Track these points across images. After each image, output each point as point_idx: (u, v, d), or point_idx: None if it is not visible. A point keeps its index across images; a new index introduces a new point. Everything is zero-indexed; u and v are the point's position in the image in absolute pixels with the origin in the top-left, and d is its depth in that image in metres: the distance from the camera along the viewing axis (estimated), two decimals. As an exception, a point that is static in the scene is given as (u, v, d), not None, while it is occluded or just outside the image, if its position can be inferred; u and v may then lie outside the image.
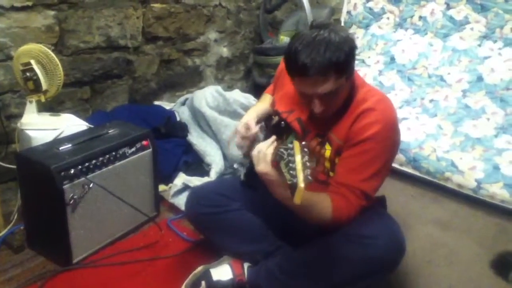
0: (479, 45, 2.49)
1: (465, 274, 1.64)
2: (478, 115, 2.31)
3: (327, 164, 1.37)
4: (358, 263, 1.24)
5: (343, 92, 1.29)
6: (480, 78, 2.40)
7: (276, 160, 1.07)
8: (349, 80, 1.29)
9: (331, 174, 1.37)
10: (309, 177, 0.97)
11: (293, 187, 0.96)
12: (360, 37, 2.87)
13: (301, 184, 0.95)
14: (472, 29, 2.52)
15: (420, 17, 2.70)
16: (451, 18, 2.59)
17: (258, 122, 1.59)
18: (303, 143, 1.05)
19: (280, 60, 1.42)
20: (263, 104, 1.68)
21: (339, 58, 1.19)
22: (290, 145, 1.04)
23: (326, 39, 1.20)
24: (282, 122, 1.47)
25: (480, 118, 2.30)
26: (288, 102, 1.47)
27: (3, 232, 1.73)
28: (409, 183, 2.24)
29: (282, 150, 1.04)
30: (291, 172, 0.98)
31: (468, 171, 2.06)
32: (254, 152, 1.15)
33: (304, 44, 1.20)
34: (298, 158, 1.00)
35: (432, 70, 2.56)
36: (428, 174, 2.19)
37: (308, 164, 0.99)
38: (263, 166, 1.12)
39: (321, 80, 1.21)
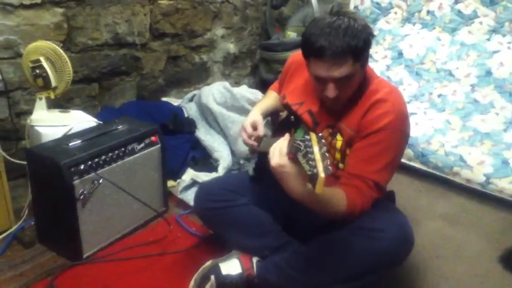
0: (488, 39, 2.47)
1: (473, 269, 1.64)
2: (486, 110, 2.30)
3: (338, 156, 1.37)
4: (367, 256, 1.24)
5: (356, 79, 1.30)
6: (488, 73, 2.39)
7: (292, 152, 1.07)
8: (363, 68, 1.30)
9: (340, 166, 1.37)
10: (329, 167, 0.97)
11: (314, 177, 0.96)
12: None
13: (322, 174, 0.95)
14: (481, 23, 2.50)
15: (428, 12, 2.69)
16: (459, 12, 2.57)
17: (264, 117, 1.61)
18: (320, 134, 1.05)
19: (287, 56, 1.42)
20: (268, 100, 1.69)
21: (358, 44, 1.21)
22: (307, 137, 1.04)
23: (345, 24, 1.22)
24: (292, 117, 1.47)
25: (489, 112, 2.29)
26: (298, 94, 1.47)
27: (14, 227, 1.75)
28: (417, 178, 2.24)
29: (298, 142, 1.04)
30: (310, 163, 0.98)
31: (477, 165, 2.06)
32: (271, 148, 1.15)
33: (323, 27, 1.22)
34: (316, 149, 1.00)
35: (440, 64, 2.55)
36: (436, 169, 2.18)
37: (326, 155, 1.00)
38: (279, 159, 1.10)
39: (338, 64, 1.22)
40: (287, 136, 1.15)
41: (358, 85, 1.33)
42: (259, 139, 1.48)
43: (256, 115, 1.55)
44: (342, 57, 1.22)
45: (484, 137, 2.19)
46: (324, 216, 1.25)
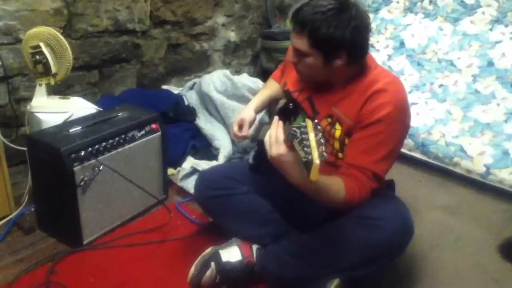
0: (490, 30, 2.46)
1: (472, 259, 1.64)
2: (488, 100, 2.29)
3: (336, 145, 1.36)
4: (366, 245, 1.25)
5: (314, 65, 1.30)
6: (490, 63, 2.38)
7: (289, 139, 1.07)
8: (328, 62, 1.28)
9: (339, 155, 1.37)
10: (324, 154, 0.97)
11: (308, 164, 0.95)
12: (369, 21, 2.84)
13: (317, 161, 0.94)
14: (483, 13, 2.49)
15: (431, 1, 2.67)
16: (462, 2, 2.56)
17: (260, 110, 1.63)
18: (316, 121, 1.05)
19: (288, 44, 1.42)
20: (267, 90, 1.69)
21: (320, 30, 1.22)
22: (303, 124, 1.04)
23: (330, 8, 1.22)
24: (290, 104, 1.46)
25: (490, 103, 2.28)
26: (298, 81, 1.47)
27: (14, 214, 1.75)
28: (417, 168, 2.23)
29: (294, 129, 1.03)
30: (305, 149, 0.97)
31: (477, 156, 2.05)
32: (265, 138, 1.14)
33: (313, 1, 1.25)
34: (311, 135, 1.00)
35: (442, 54, 2.54)
36: (437, 159, 2.18)
37: (322, 141, 0.99)
38: (277, 147, 1.09)
39: (298, 34, 1.27)
40: (277, 122, 1.14)
41: (330, 77, 1.34)
42: (244, 137, 1.55)
43: (246, 113, 1.57)
44: (301, 31, 1.25)
45: (485, 127, 2.18)
46: (323, 204, 1.25)
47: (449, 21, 2.60)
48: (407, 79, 2.55)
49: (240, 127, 1.55)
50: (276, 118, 1.16)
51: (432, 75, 2.51)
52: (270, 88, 1.70)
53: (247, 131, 1.54)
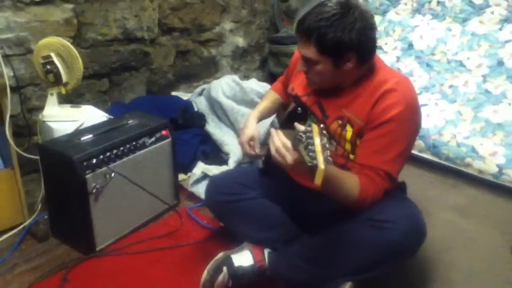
0: (500, 29, 2.44)
1: (485, 260, 1.63)
2: (498, 100, 2.28)
3: (348, 146, 1.36)
4: (378, 248, 1.24)
5: (325, 71, 1.30)
6: (500, 63, 2.36)
7: (295, 144, 1.08)
8: (337, 67, 1.29)
9: (351, 157, 1.37)
10: (329, 158, 0.98)
11: (313, 169, 0.97)
12: (377, 23, 2.84)
13: (321, 166, 0.96)
14: (492, 12, 2.47)
15: (438, 2, 2.66)
16: (470, 2, 2.54)
17: (260, 119, 1.65)
18: (321, 125, 1.06)
19: (295, 48, 1.43)
20: (266, 101, 1.71)
21: (327, 36, 1.22)
22: (308, 128, 1.05)
23: (334, 14, 1.22)
24: (299, 109, 1.47)
25: (501, 103, 2.26)
26: (306, 86, 1.47)
27: (28, 221, 1.77)
28: (428, 170, 2.22)
29: (300, 134, 1.04)
30: (310, 154, 0.98)
31: (489, 156, 2.04)
32: (272, 152, 1.15)
33: (316, 8, 1.25)
34: (317, 140, 1.01)
35: (451, 55, 2.53)
36: (448, 160, 2.17)
37: (327, 146, 1.00)
38: (291, 155, 1.10)
39: (305, 43, 1.27)
40: (275, 133, 1.15)
41: (341, 81, 1.35)
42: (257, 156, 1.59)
43: (253, 130, 1.58)
44: (307, 39, 1.26)
45: (496, 128, 2.16)
46: (337, 200, 1.25)
47: (457, 22, 2.59)
48: (416, 80, 2.54)
49: (250, 144, 1.56)
50: (272, 130, 1.18)
51: (441, 76, 2.50)
52: (269, 99, 1.72)
53: (259, 149, 1.57)
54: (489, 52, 2.41)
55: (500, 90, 2.30)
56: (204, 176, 2.01)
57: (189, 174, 2.09)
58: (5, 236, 1.71)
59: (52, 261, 1.60)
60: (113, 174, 1.60)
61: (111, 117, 1.91)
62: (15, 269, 1.56)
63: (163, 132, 1.81)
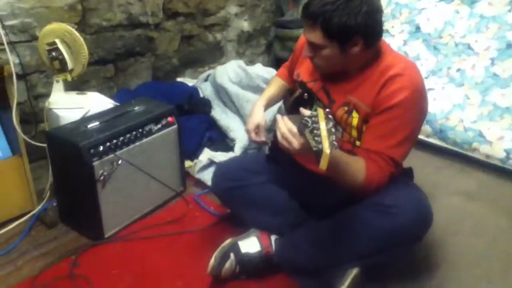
0: (509, 11, 2.39)
1: (492, 245, 1.63)
2: (506, 84, 2.24)
3: (354, 133, 1.36)
4: (385, 233, 1.25)
5: (332, 56, 1.29)
6: (509, 45, 2.32)
7: (300, 129, 1.07)
8: (347, 54, 1.28)
9: (357, 143, 1.36)
10: (335, 143, 0.98)
11: (319, 153, 0.97)
12: (383, 6, 2.79)
13: (327, 150, 0.95)
14: (501, -6, 2.42)
15: (446, -16, 2.61)
16: (478, -17, 2.49)
17: (267, 109, 1.65)
18: (327, 110, 1.06)
19: (301, 33, 1.41)
20: (273, 88, 1.70)
21: (330, 21, 1.21)
22: (314, 113, 1.04)
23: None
24: (305, 94, 1.46)
25: (509, 86, 2.23)
26: (312, 72, 1.46)
27: (37, 208, 1.79)
28: (435, 154, 2.21)
29: (306, 118, 1.04)
30: (316, 138, 0.98)
31: (497, 141, 2.02)
32: (279, 137, 1.15)
33: None
34: (322, 125, 1.01)
35: (459, 38, 2.49)
36: (455, 145, 2.15)
37: (333, 130, 1.00)
38: (297, 140, 1.11)
39: (311, 28, 1.26)
40: (280, 119, 1.15)
41: (347, 66, 1.33)
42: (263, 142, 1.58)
43: (260, 117, 1.57)
44: (313, 24, 1.24)
45: (504, 112, 2.14)
46: (342, 184, 1.25)
47: (465, 4, 2.54)
48: (423, 64, 2.51)
49: (256, 132, 1.56)
50: (278, 116, 1.17)
51: (448, 60, 2.47)
52: (275, 86, 1.71)
53: (265, 137, 1.57)
54: (498, 34, 2.37)
55: (508, 74, 2.27)
56: (211, 162, 2.01)
57: (195, 160, 2.09)
58: (15, 223, 1.73)
59: (61, 247, 1.63)
60: (120, 161, 1.61)
61: (117, 103, 1.91)
62: (26, 255, 1.59)
63: (169, 119, 1.81)
